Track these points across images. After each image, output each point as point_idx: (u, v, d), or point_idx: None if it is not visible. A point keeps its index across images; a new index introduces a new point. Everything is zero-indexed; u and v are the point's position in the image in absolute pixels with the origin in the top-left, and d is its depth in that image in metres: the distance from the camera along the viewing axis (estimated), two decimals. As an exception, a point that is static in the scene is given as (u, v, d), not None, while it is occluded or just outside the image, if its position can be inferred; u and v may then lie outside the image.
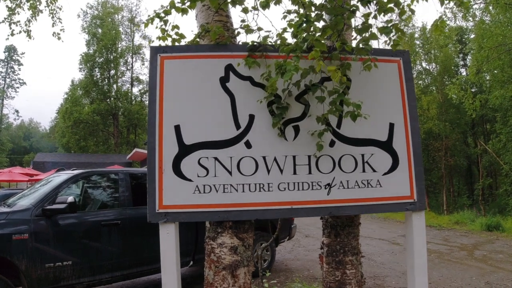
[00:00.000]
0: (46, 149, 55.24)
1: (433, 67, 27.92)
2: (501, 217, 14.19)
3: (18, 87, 51.84)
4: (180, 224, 2.59)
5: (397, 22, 2.22)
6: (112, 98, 37.12)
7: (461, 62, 33.50)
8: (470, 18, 16.71)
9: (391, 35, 2.24)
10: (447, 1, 2.69)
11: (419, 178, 2.69)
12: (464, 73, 31.12)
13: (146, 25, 2.67)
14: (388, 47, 2.59)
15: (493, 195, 28.38)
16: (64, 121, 34.80)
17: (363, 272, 3.09)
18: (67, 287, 4.26)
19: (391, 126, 2.70)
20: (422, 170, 2.70)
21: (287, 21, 2.50)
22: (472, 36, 23.87)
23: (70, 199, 4.32)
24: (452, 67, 28.83)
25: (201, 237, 5.20)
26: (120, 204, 4.92)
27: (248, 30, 2.55)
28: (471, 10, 15.96)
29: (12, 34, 6.51)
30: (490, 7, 15.41)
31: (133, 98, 39.70)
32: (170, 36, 2.72)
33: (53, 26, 7.28)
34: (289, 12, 2.51)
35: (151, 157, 2.47)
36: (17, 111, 55.06)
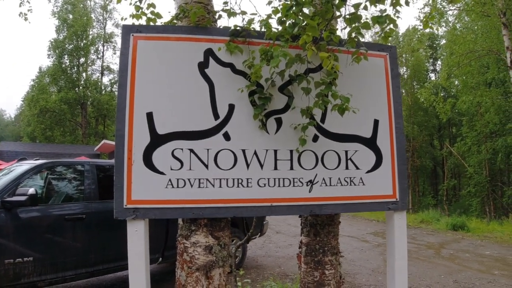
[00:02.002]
0: (11, 138, 52.89)
1: (404, 70, 28.69)
2: (465, 217, 14.71)
3: (-18, 73, 49.36)
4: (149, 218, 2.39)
5: (390, 13, 2.11)
6: (81, 87, 35.79)
7: (431, 67, 34.58)
8: (444, 24, 17.18)
9: (384, 25, 2.12)
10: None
11: (402, 177, 2.63)
12: (434, 78, 32.17)
13: (119, 1, 2.44)
14: (371, 42, 2.49)
15: (456, 196, 29.56)
16: (30, 109, 33.35)
17: (341, 273, 3.00)
18: (28, 284, 4.02)
19: (376, 122, 2.62)
20: (406, 169, 2.64)
21: (272, 7, 2.35)
22: (443, 42, 24.69)
23: (31, 191, 4.08)
24: (423, 72, 29.73)
25: (171, 232, 5.03)
26: (86, 197, 4.68)
27: (231, 13, 2.37)
28: (445, 16, 16.41)
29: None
30: (464, 14, 15.87)
31: (103, 88, 38.44)
32: (145, 14, 2.51)
33: (20, 6, 6.86)
34: (274, -3, 2.36)
35: (119, 147, 2.25)
36: (-20, 98, 52.55)
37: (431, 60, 33.89)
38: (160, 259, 5.18)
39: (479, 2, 13.87)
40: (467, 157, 23.33)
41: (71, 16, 34.92)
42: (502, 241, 9.98)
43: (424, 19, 2.57)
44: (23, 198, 4.00)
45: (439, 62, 32.54)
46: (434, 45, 32.52)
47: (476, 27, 16.43)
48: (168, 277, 5.67)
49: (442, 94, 26.14)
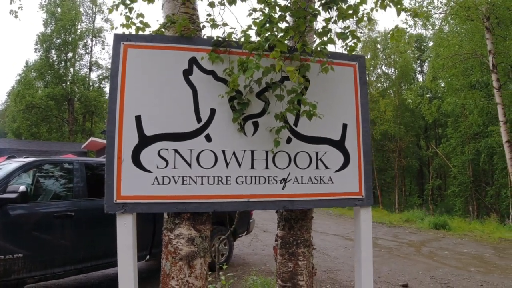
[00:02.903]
0: (-5, 135, 51.96)
1: (392, 71, 29.11)
2: (448, 216, 15.12)
3: (-34, 67, 48.45)
4: (138, 217, 2.58)
5: (354, 28, 2.36)
6: (68, 83, 35.18)
7: (419, 68, 35.09)
8: (430, 27, 17.53)
9: (348, 40, 2.38)
10: (403, 11, 2.87)
11: (368, 176, 2.87)
12: (421, 79, 32.65)
13: (110, 11, 2.65)
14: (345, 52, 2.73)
15: (441, 196, 30.09)
16: (16, 105, 32.64)
17: (314, 264, 3.23)
18: (18, 281, 4.10)
19: (344, 126, 2.86)
20: (371, 169, 2.89)
21: (252, 19, 2.57)
22: (431, 44, 25.14)
23: (22, 188, 4.17)
24: (410, 73, 30.16)
25: (158, 231, 5.15)
26: (75, 195, 4.78)
27: (214, 24, 2.59)
28: (431, 19, 16.75)
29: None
30: (449, 18, 16.22)
31: (91, 84, 37.83)
32: (135, 24, 2.70)
33: (10, 3, 6.92)
34: (254, 10, 2.58)
35: (110, 147, 2.45)
36: (-37, 93, 51.51)
37: (418, 62, 34.42)
38: (148, 256, 5.32)
39: (463, 6, 14.24)
40: (451, 158, 23.86)
41: (59, 10, 34.18)
42: (481, 240, 10.36)
43: (391, 33, 2.81)
44: (14, 195, 4.08)
45: (426, 64, 33.08)
46: (422, 47, 33.03)
47: (462, 30, 16.80)
48: (156, 274, 5.73)
49: (428, 96, 26.63)
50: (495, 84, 13.52)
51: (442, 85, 22.21)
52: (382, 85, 29.77)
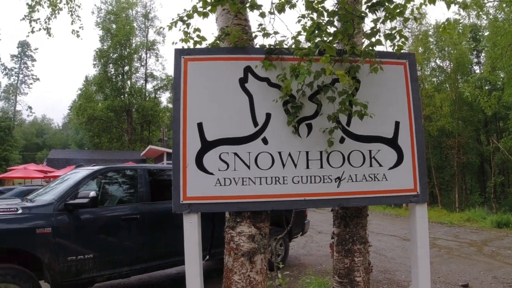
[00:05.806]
0: (59, 146, 55.50)
1: (447, 64, 27.68)
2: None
3: (31, 83, 52.93)
4: (198, 217, 2.77)
5: (401, 28, 2.41)
6: (126, 95, 37.04)
7: (475, 60, 33.05)
8: (484, 17, 16.55)
9: (395, 40, 2.43)
10: (453, 5, 2.84)
11: (422, 173, 2.87)
12: (478, 71, 30.75)
13: (170, 28, 2.88)
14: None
15: (505, 193, 28.11)
16: (78, 117, 34.71)
17: (370, 261, 3.27)
18: (88, 279, 4.35)
19: (397, 124, 2.89)
20: (425, 165, 2.89)
21: (301, 25, 2.70)
22: (486, 33, 23.63)
23: (92, 193, 4.40)
24: (466, 65, 28.50)
25: (217, 232, 5.30)
26: (139, 199, 5.02)
27: (265, 34, 2.74)
28: (485, 8, 15.84)
29: (33, 32, 6.57)
30: (504, 5, 15.25)
31: (147, 95, 39.54)
32: (192, 38, 2.93)
33: (72, 23, 7.47)
34: (303, 16, 2.71)
35: (176, 153, 2.69)
36: (30, 108, 56.00)
37: (474, 53, 32.46)
38: (207, 256, 5.46)
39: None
40: (515, 152, 22.26)
41: (114, 26, 36.06)
42: (548, 238, 9.66)
43: (442, 26, 2.80)
44: (85, 200, 4.30)
45: (483, 54, 31.10)
46: (478, 36, 31.13)
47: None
48: (213, 274, 5.96)
49: (487, 88, 25.06)
50: (560, 71, 12.49)
51: (502, 75, 20.80)
52: (437, 79, 28.42)
